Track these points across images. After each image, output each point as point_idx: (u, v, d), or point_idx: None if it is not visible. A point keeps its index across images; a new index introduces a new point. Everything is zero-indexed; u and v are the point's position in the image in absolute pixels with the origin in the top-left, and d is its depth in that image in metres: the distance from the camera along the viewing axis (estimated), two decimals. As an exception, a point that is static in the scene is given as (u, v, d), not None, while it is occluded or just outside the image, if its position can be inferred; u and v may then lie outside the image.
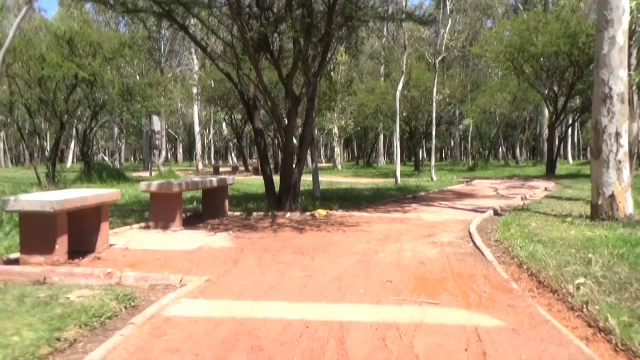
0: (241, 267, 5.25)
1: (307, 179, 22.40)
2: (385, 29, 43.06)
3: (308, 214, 9.56)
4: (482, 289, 4.42)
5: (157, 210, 7.63)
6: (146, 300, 4.06)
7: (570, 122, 24.45)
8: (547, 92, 23.30)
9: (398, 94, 17.78)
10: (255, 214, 9.55)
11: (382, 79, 36.97)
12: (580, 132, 56.03)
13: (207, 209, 9.23)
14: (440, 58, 21.31)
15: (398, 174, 17.71)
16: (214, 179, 8.71)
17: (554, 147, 23.40)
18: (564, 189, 15.27)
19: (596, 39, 8.08)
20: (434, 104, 21.17)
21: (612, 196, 7.84)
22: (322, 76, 11.26)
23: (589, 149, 57.98)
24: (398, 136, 18.23)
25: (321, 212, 9.49)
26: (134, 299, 3.98)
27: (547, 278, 4.67)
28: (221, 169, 38.92)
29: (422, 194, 14.74)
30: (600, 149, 7.92)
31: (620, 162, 7.81)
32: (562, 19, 20.30)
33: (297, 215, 9.47)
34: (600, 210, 7.95)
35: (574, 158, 46.89)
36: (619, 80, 7.78)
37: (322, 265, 5.32)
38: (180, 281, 4.53)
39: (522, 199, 12.79)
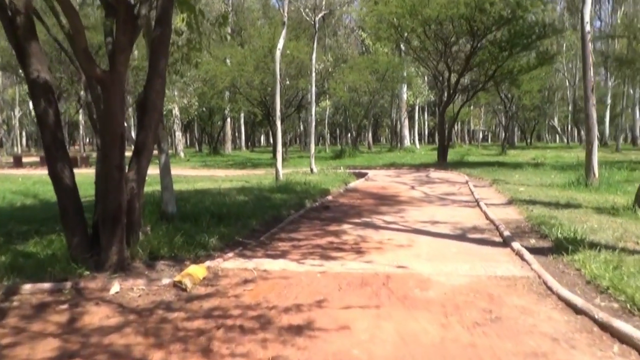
0: None
1: (150, 174, 16.72)
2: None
3: (165, 281, 4.06)
4: None
5: None
6: None
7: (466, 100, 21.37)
8: (437, 66, 19.84)
9: (278, 54, 12.62)
10: (28, 287, 3.85)
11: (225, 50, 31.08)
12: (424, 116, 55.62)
13: None
14: (320, 15, 16.57)
15: (279, 166, 12.67)
16: None
17: (445, 131, 20.09)
18: (502, 185, 11.49)
19: None
20: (313, 74, 16.43)
21: None
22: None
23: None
24: (279, 114, 13.09)
25: (195, 274, 4.11)
26: None
27: None
28: (26, 159, 30.31)
29: (329, 198, 9.94)
30: None
31: None
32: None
33: (138, 287, 3.95)
34: None
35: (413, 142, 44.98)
36: None
37: None
38: None
39: (486, 204, 8.56)
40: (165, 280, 3.97)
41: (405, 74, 32.32)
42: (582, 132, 50.83)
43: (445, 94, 19.70)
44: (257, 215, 7.39)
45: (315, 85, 29.26)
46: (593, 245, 4.91)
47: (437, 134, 21.47)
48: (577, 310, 3.36)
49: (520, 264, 4.61)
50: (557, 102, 51.52)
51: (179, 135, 34.73)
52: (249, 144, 57.29)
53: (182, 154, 33.40)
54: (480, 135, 75.80)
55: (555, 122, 56.52)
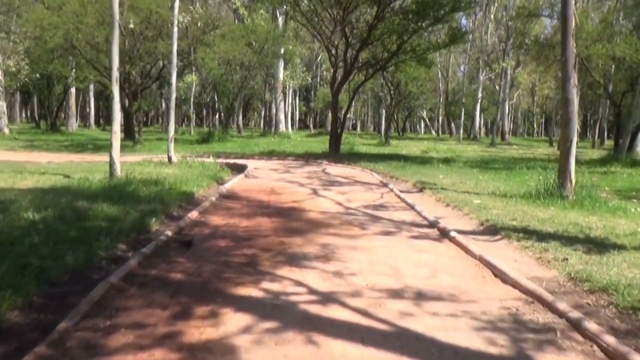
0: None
1: None
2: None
3: None
4: None
5: None
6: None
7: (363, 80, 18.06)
8: (331, 37, 16.28)
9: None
10: None
11: None
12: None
13: None
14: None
15: (115, 155, 8.21)
16: None
17: (338, 117, 16.68)
18: (440, 193, 8.26)
19: None
20: (175, 35, 12.05)
21: None
22: None
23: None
24: (116, 74, 8.43)
25: None
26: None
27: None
28: None
29: (193, 214, 5.90)
30: None
31: None
32: None
33: None
34: None
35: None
36: None
37: None
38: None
39: (457, 232, 5.11)
40: None
41: (283, 51, 28.59)
42: (453, 125, 51.14)
43: (341, 72, 16.24)
44: (34, 273, 3.25)
45: (180, 56, 24.42)
46: None
47: (330, 120, 18.02)
48: None
49: None
50: (428, 94, 51.18)
51: (2, 105, 27.74)
52: (100, 121, 49.90)
53: (6, 130, 26.66)
54: (350, 124, 74.82)
55: (424, 114, 56.56)
